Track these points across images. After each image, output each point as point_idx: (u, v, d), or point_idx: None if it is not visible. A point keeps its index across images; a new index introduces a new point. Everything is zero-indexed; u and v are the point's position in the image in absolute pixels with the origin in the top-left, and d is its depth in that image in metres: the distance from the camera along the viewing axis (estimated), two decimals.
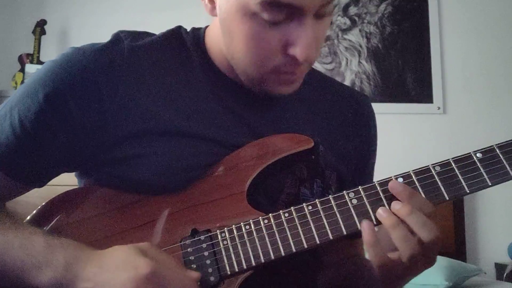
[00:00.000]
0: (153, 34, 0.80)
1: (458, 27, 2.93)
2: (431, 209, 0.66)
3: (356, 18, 2.95)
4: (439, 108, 2.85)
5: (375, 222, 0.67)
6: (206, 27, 0.83)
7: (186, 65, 0.79)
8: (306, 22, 0.68)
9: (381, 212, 0.66)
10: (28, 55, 2.84)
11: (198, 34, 0.82)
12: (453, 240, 2.63)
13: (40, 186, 0.76)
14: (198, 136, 0.74)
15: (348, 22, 2.95)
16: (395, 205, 0.66)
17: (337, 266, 0.88)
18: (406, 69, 2.89)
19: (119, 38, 0.76)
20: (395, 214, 0.65)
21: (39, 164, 0.73)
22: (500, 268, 2.58)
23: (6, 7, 2.98)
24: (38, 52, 2.83)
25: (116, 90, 0.72)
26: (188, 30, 0.84)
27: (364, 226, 0.66)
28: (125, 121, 0.72)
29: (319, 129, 0.83)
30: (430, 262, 0.68)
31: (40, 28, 2.86)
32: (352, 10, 2.96)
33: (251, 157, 0.74)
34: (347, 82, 2.86)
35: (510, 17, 2.92)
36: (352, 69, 2.91)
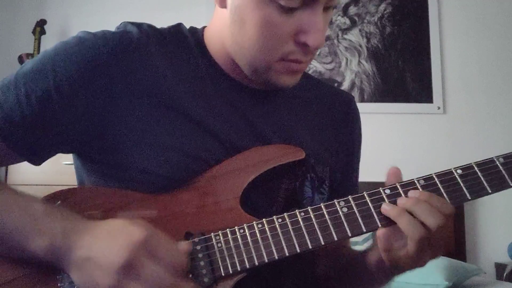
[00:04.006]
0: (156, 27, 0.83)
1: (458, 27, 2.93)
2: (446, 209, 0.69)
3: (356, 18, 2.95)
4: (439, 108, 2.85)
5: (379, 225, 0.69)
6: (203, 27, 0.85)
7: (188, 57, 0.81)
8: (318, 11, 0.71)
9: (385, 206, 0.69)
10: (28, 55, 2.84)
11: (197, 32, 0.84)
12: (453, 240, 2.63)
13: (36, 163, 0.76)
14: (201, 123, 0.76)
15: (348, 22, 2.95)
16: (401, 200, 0.69)
17: (330, 257, 0.90)
18: (406, 69, 2.89)
19: (126, 25, 0.79)
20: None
21: (39, 138, 0.73)
22: (500, 268, 2.58)
23: (6, 7, 2.98)
24: (38, 52, 2.83)
25: (126, 71, 0.74)
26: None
27: (379, 235, 0.69)
28: (135, 96, 0.74)
29: (312, 127, 0.87)
30: (436, 252, 0.70)
31: (40, 28, 2.86)
32: (352, 10, 2.96)
33: (246, 164, 0.76)
34: (347, 82, 2.87)
35: (509, 17, 2.92)
36: (352, 69, 2.91)
